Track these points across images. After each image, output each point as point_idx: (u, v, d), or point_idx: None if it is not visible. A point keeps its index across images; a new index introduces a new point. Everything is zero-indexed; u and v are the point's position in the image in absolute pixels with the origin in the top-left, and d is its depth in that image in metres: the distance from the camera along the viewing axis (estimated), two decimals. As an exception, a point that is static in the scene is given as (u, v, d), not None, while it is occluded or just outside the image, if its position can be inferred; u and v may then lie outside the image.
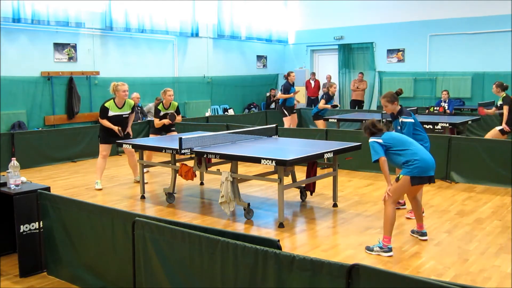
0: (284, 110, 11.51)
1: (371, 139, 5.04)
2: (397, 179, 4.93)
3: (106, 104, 7.69)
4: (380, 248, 4.92)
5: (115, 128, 7.64)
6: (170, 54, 14.72)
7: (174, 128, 8.84)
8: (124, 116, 7.81)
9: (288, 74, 11.64)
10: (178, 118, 8.60)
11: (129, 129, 7.96)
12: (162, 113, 8.50)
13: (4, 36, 10.93)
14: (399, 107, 5.88)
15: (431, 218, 6.06)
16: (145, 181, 7.66)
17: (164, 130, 8.68)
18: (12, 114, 11.09)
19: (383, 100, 5.87)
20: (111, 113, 7.67)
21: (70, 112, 11.97)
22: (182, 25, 14.58)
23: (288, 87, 11.41)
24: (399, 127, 5.82)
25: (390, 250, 4.90)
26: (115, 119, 7.71)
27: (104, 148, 7.83)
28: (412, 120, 5.78)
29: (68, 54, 12.07)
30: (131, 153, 8.00)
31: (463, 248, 5.07)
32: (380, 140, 4.98)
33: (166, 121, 8.45)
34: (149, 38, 13.96)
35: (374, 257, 4.85)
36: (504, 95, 9.02)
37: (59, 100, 11.92)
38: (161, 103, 8.59)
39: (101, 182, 7.91)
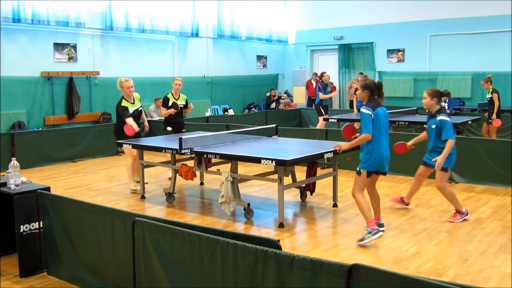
0: (321, 109, 12.02)
1: (365, 109, 5.06)
2: (358, 172, 5.19)
3: (123, 104, 7.55)
4: (369, 233, 4.99)
5: (135, 124, 7.40)
6: (170, 54, 14.72)
7: (184, 130, 8.73)
8: (139, 110, 7.78)
9: (322, 75, 12.21)
10: (190, 105, 8.55)
11: (145, 122, 8.22)
12: (171, 102, 8.33)
13: (4, 36, 10.92)
14: (439, 107, 5.91)
15: (431, 218, 6.06)
16: (145, 181, 7.65)
17: (174, 130, 8.45)
18: (12, 114, 11.09)
19: (426, 91, 5.98)
20: (130, 110, 7.56)
21: (70, 112, 11.96)
22: (182, 25, 14.57)
23: (325, 87, 11.92)
24: (433, 126, 5.80)
25: (379, 228, 5.10)
26: (134, 115, 7.61)
27: (130, 150, 7.46)
28: (450, 121, 5.80)
29: (68, 54, 12.06)
30: (133, 155, 7.84)
31: (463, 248, 5.07)
32: (372, 116, 5.05)
33: (172, 110, 8.26)
34: (149, 38, 13.96)
35: (374, 257, 4.85)
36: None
37: (59, 100, 11.92)
38: (170, 92, 8.51)
39: (135, 183, 7.71)
